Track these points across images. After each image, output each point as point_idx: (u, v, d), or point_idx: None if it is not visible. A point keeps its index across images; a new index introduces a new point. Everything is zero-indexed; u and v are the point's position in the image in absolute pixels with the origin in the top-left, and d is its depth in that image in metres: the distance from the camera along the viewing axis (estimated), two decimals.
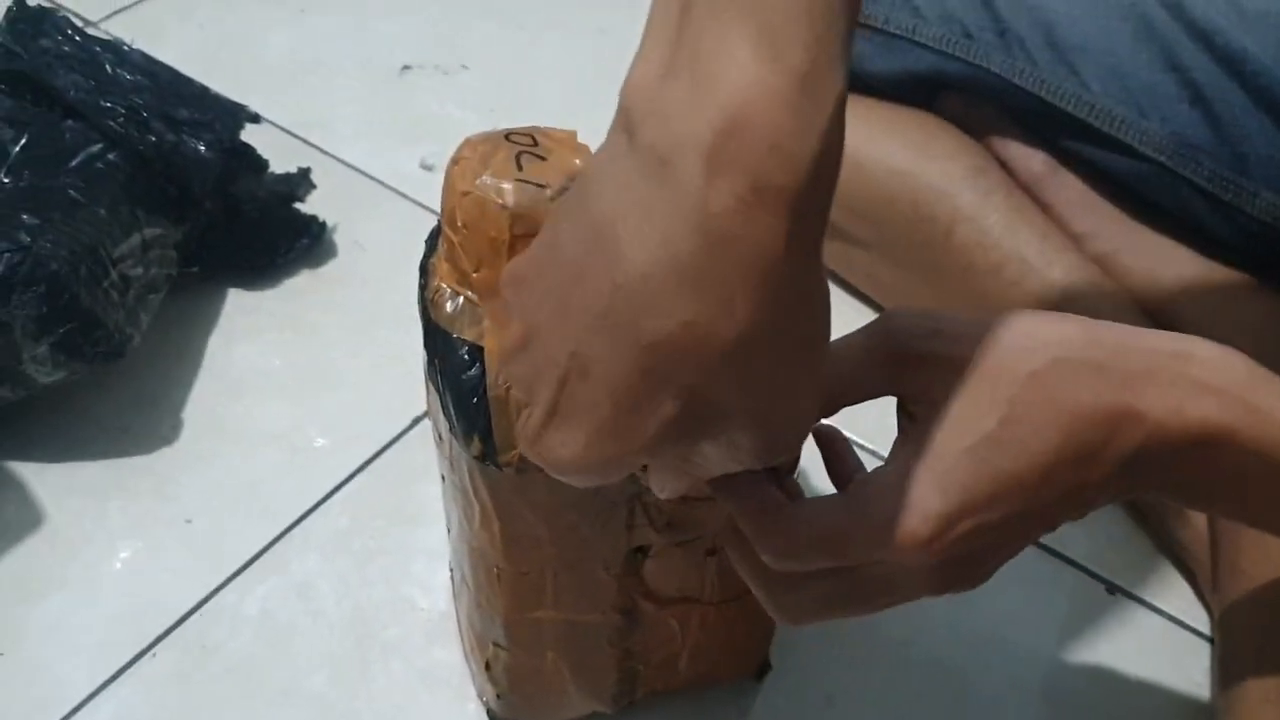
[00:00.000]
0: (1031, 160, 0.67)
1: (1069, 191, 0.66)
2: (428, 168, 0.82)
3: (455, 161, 0.38)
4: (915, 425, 0.35)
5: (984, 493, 0.34)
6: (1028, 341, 0.34)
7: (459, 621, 0.54)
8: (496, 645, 0.47)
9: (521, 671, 0.48)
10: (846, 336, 0.38)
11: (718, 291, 0.27)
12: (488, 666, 0.49)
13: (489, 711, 0.52)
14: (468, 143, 0.39)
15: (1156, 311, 0.63)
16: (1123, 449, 0.34)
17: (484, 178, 0.37)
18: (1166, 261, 0.64)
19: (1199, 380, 0.35)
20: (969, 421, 0.34)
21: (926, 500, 0.33)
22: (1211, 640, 0.57)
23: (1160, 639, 0.57)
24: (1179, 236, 0.63)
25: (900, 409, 0.38)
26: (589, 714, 0.52)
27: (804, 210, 0.26)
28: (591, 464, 0.31)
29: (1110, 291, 0.64)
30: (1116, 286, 0.64)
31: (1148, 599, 0.59)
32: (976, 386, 0.34)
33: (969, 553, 0.35)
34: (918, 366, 0.36)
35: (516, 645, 0.47)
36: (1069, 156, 0.66)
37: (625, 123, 0.28)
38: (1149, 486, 0.36)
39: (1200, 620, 0.58)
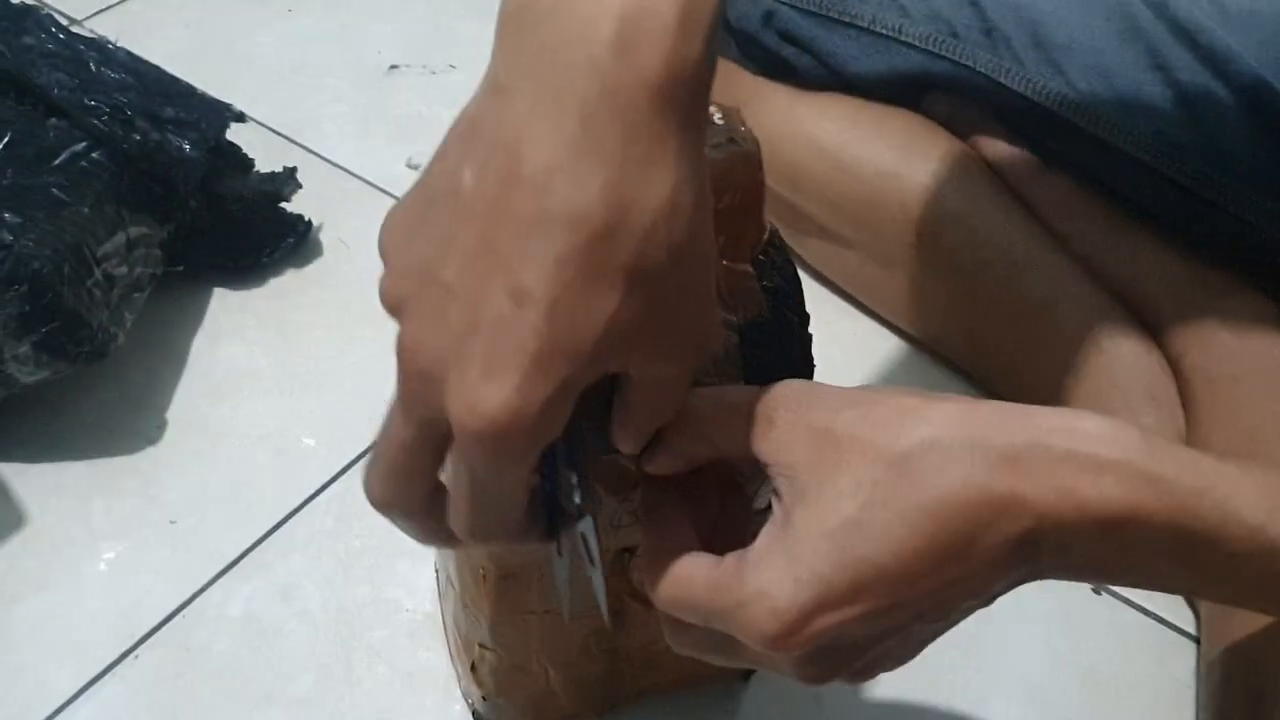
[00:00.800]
0: (1017, 160, 0.67)
1: (1055, 191, 0.66)
2: (414, 167, 0.81)
3: None
4: (780, 503, 0.33)
5: (843, 583, 0.31)
6: (898, 419, 0.32)
7: (444, 623, 0.54)
8: (482, 646, 0.47)
9: (507, 673, 0.48)
10: (731, 388, 0.37)
11: (634, 155, 0.28)
12: (473, 668, 0.49)
13: (474, 714, 0.52)
14: None
15: (1140, 311, 0.63)
16: (1008, 535, 0.31)
17: None
18: (1151, 261, 0.64)
19: (1090, 455, 0.31)
20: (829, 503, 0.31)
21: (779, 591, 0.31)
22: (1197, 640, 0.57)
23: (1146, 638, 0.57)
24: (1163, 236, 0.63)
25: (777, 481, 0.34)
26: (575, 716, 0.51)
27: (698, 84, 0.29)
28: (539, 400, 0.29)
29: (1094, 291, 0.64)
30: (1101, 286, 0.64)
31: (1134, 599, 0.59)
32: (840, 465, 0.31)
33: (834, 648, 0.32)
34: (789, 437, 0.33)
35: (502, 646, 0.47)
36: (1055, 156, 0.66)
37: (514, 31, 0.30)
38: (1055, 571, 0.33)
39: (1186, 620, 0.58)
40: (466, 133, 0.30)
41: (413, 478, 0.33)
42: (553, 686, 0.49)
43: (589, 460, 0.34)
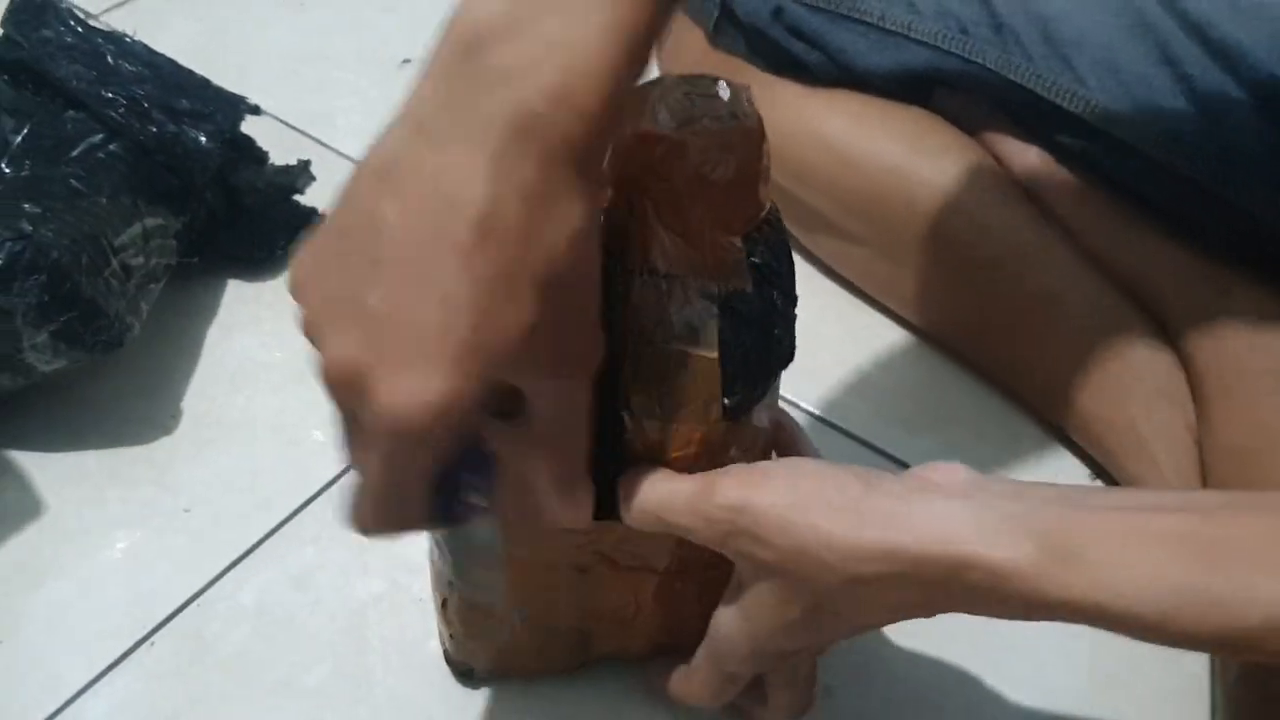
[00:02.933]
0: (1027, 156, 0.67)
1: (1063, 187, 0.66)
2: None
3: None
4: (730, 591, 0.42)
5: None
6: (824, 556, 0.37)
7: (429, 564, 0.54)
8: (450, 583, 0.48)
9: (473, 614, 0.48)
10: (682, 483, 0.41)
11: (548, 192, 0.32)
12: (444, 605, 0.49)
13: (445, 654, 0.53)
14: None
15: (1150, 306, 0.64)
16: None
17: None
18: (1160, 257, 0.64)
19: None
20: (771, 608, 0.40)
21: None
22: None
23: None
24: (1173, 232, 0.64)
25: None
26: (541, 672, 0.52)
27: (605, 146, 0.34)
28: (459, 391, 0.32)
29: (1103, 287, 0.64)
30: (1110, 282, 0.64)
31: None
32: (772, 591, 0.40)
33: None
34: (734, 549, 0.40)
35: (468, 585, 0.47)
36: (1064, 152, 0.66)
37: (445, 70, 0.33)
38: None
39: None
40: (383, 170, 0.33)
41: (407, 488, 0.36)
42: (519, 638, 0.49)
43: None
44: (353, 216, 0.34)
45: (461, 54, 0.33)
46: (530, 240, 0.32)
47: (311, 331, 0.34)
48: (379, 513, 0.37)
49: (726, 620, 0.42)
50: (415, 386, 0.32)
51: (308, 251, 0.35)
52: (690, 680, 0.46)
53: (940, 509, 0.37)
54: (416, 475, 0.35)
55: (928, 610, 0.39)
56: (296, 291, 0.34)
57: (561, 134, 0.31)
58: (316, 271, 0.34)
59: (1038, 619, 0.37)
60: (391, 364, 0.32)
